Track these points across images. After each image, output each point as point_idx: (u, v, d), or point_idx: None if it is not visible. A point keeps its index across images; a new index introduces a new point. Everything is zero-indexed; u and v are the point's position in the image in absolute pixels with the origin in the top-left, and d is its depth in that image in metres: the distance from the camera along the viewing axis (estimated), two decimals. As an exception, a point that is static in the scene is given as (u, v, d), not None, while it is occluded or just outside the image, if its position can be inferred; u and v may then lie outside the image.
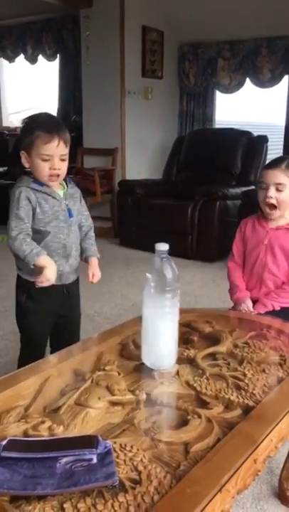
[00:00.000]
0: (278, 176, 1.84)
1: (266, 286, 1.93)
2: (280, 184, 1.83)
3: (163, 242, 1.26)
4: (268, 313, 1.85)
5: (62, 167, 1.61)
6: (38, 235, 1.64)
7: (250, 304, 1.91)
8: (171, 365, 1.29)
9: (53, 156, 1.56)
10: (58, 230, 1.67)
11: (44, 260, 1.57)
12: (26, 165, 1.62)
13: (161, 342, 1.28)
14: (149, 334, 1.29)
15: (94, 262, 1.79)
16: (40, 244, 1.63)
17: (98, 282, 1.79)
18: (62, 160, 1.60)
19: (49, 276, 1.56)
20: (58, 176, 1.62)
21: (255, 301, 1.93)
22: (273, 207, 1.87)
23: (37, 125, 1.58)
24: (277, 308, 1.88)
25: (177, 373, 1.28)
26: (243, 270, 2.03)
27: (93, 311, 3.03)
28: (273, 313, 1.84)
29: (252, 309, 1.88)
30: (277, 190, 1.84)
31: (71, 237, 1.71)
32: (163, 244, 1.25)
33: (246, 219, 2.04)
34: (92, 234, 1.82)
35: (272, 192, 1.84)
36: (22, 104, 7.36)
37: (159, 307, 1.26)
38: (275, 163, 1.89)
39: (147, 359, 1.30)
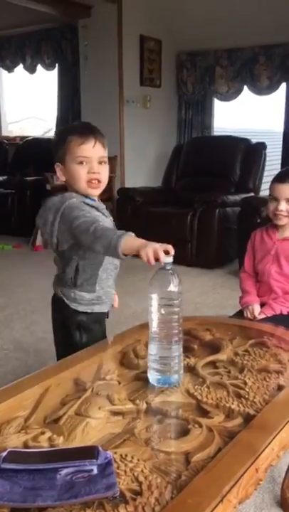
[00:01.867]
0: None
1: (274, 293, 1.97)
2: None
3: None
4: (275, 316, 1.88)
5: (102, 171, 1.42)
6: (96, 257, 1.47)
7: (257, 309, 1.94)
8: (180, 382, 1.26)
9: (91, 158, 1.39)
10: None
11: (132, 239, 1.24)
12: (62, 178, 1.44)
13: (172, 362, 1.24)
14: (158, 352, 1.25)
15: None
16: (99, 267, 1.49)
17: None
18: (102, 163, 1.42)
19: (153, 248, 1.19)
20: (99, 181, 1.43)
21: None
22: (284, 216, 1.91)
23: (70, 131, 1.43)
24: (285, 312, 1.92)
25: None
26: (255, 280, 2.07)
27: (93, 319, 3.02)
28: (282, 317, 1.86)
29: (257, 314, 1.90)
30: (288, 202, 1.88)
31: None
32: (168, 257, 1.19)
33: (256, 231, 2.08)
34: None
35: (283, 206, 1.88)
36: (21, 114, 7.41)
37: (169, 327, 1.22)
38: (287, 176, 1.91)
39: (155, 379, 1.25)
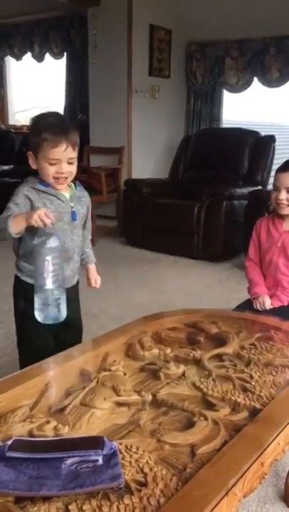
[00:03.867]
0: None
1: (282, 286, 1.96)
2: None
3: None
4: (282, 307, 1.87)
5: (70, 170, 1.57)
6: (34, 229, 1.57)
7: (267, 301, 1.94)
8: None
9: (61, 160, 1.53)
10: (61, 232, 1.61)
11: (19, 215, 1.47)
12: (33, 166, 1.58)
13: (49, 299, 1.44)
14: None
15: (93, 268, 1.79)
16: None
17: (103, 281, 1.78)
18: (70, 163, 1.56)
19: (37, 214, 1.41)
20: (66, 178, 1.58)
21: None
22: (286, 205, 1.90)
23: (44, 127, 1.53)
24: None
25: (183, 374, 1.27)
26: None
27: (98, 310, 3.02)
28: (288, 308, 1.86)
29: (267, 306, 1.89)
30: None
31: (74, 240, 1.68)
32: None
33: (261, 219, 2.08)
34: (89, 237, 1.80)
35: (283, 194, 1.88)
36: (29, 103, 7.37)
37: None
38: (287, 165, 1.92)
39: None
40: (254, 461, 0.92)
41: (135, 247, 4.55)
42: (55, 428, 1.01)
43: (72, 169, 1.58)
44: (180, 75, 5.45)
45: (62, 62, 6.12)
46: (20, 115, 7.35)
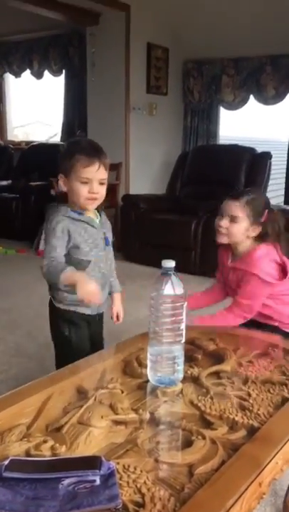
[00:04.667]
0: (234, 208, 1.83)
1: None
2: (234, 217, 1.82)
3: (167, 257, 1.27)
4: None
5: (101, 191, 1.59)
6: (78, 265, 1.59)
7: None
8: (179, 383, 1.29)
9: (92, 179, 1.54)
10: (98, 258, 1.64)
11: (71, 274, 1.50)
12: (64, 189, 1.60)
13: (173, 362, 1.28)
14: (156, 350, 1.28)
15: (118, 297, 1.81)
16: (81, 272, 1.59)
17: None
18: (102, 184, 1.58)
19: (87, 291, 1.46)
20: (96, 199, 1.60)
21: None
22: (223, 234, 1.86)
23: (78, 149, 1.56)
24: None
25: (181, 392, 1.27)
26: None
27: (96, 325, 3.01)
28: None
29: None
30: (232, 221, 1.83)
31: (109, 266, 1.71)
32: (169, 261, 1.25)
33: (221, 246, 2.00)
34: (114, 265, 1.80)
35: (224, 222, 1.84)
36: (27, 118, 7.44)
37: (171, 329, 1.26)
38: (237, 194, 1.88)
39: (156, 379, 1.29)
40: (252, 481, 0.91)
41: (133, 263, 4.56)
42: (52, 447, 1.00)
43: (103, 191, 1.60)
44: (177, 93, 5.52)
45: (61, 79, 6.19)
46: (19, 130, 7.41)
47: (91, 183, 1.55)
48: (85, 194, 1.56)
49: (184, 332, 1.28)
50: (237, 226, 1.83)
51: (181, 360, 1.29)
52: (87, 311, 1.68)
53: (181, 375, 1.30)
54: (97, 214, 1.69)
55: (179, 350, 1.28)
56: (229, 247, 1.94)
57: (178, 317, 1.26)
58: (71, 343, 1.68)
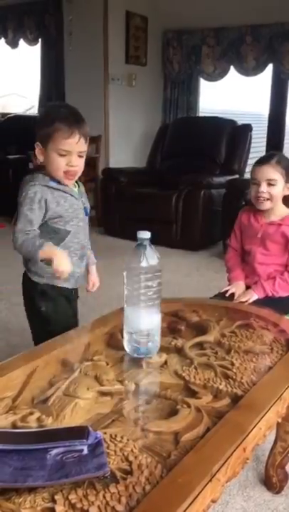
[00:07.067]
0: (269, 171, 1.88)
1: (258, 276, 1.97)
2: (271, 180, 1.88)
3: (147, 230, 1.26)
4: (266, 299, 1.88)
5: (80, 164, 1.52)
6: (57, 235, 1.55)
7: (241, 288, 1.95)
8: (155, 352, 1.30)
9: (72, 152, 1.47)
10: (77, 229, 1.59)
11: (48, 251, 1.47)
12: (41, 159, 1.51)
13: (149, 333, 1.28)
14: (131, 321, 1.29)
15: (94, 269, 1.77)
16: (59, 243, 1.55)
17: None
18: (80, 157, 1.51)
19: (60, 266, 1.45)
20: (75, 173, 1.53)
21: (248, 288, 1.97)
22: (266, 199, 1.90)
23: (58, 117, 1.47)
24: (275, 295, 1.91)
25: (165, 363, 1.28)
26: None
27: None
28: (271, 301, 1.87)
29: (238, 296, 1.90)
30: (269, 185, 1.88)
31: (87, 236, 1.66)
32: (144, 232, 1.25)
33: (244, 210, 2.08)
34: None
35: (263, 187, 1.88)
36: (3, 90, 7.23)
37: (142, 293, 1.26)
38: (266, 159, 1.92)
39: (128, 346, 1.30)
40: (237, 447, 0.93)
41: (113, 237, 4.54)
42: (39, 419, 1.01)
43: (82, 163, 1.54)
44: (157, 63, 5.42)
45: (37, 48, 6.01)
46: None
47: (70, 155, 1.48)
48: (63, 167, 1.49)
49: (158, 302, 1.28)
50: (276, 188, 1.89)
51: (156, 330, 1.30)
52: (65, 285, 1.62)
53: (157, 345, 1.31)
54: (76, 184, 1.63)
55: (154, 321, 1.29)
56: (251, 208, 2.00)
57: (152, 288, 1.26)
58: (49, 319, 1.62)
